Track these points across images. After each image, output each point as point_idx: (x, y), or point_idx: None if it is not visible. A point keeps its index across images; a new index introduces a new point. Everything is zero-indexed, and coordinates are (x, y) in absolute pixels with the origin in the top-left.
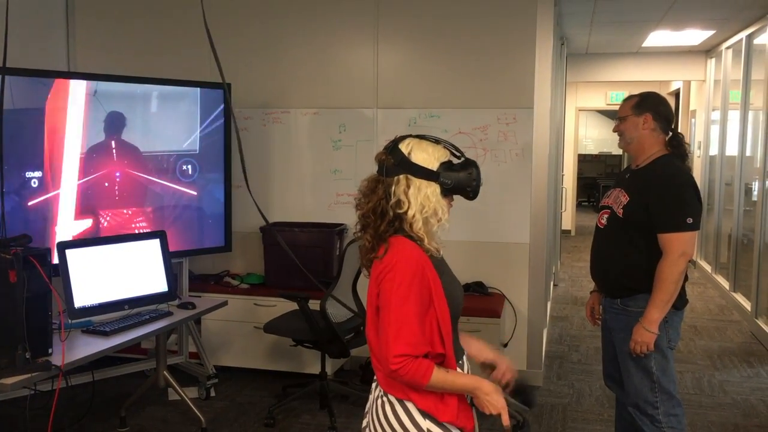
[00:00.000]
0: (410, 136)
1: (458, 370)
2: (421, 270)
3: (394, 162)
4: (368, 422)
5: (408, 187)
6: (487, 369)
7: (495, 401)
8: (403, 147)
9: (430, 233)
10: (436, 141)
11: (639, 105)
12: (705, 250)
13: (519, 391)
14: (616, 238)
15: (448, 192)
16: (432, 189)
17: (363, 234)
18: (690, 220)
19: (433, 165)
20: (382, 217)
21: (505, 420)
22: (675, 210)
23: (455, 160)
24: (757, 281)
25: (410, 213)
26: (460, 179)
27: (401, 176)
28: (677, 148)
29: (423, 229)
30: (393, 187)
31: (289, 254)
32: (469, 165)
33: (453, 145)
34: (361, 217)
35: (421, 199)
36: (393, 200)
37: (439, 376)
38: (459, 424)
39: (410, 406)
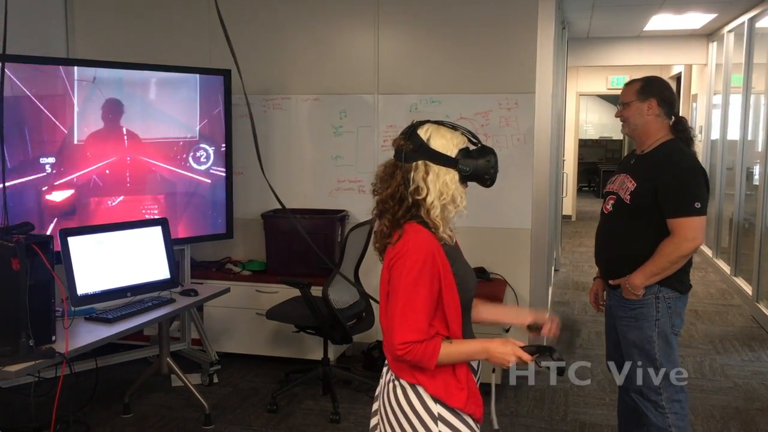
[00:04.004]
0: (428, 121)
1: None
2: (432, 257)
3: (413, 148)
4: (379, 405)
5: (427, 173)
6: (534, 330)
7: (508, 351)
8: (422, 133)
9: (446, 220)
10: (454, 127)
11: (643, 90)
12: (706, 235)
13: (565, 328)
14: (621, 224)
15: (465, 179)
16: (451, 176)
17: (380, 220)
18: (698, 205)
19: (452, 152)
20: (401, 203)
21: (527, 357)
22: (682, 194)
23: (472, 147)
24: (758, 265)
25: (429, 200)
26: (478, 166)
27: (420, 162)
28: (682, 132)
29: (440, 216)
30: (411, 174)
31: (305, 237)
32: (487, 152)
33: (470, 132)
34: (379, 202)
35: (439, 185)
36: (412, 186)
37: (446, 350)
38: (468, 411)
39: (421, 390)
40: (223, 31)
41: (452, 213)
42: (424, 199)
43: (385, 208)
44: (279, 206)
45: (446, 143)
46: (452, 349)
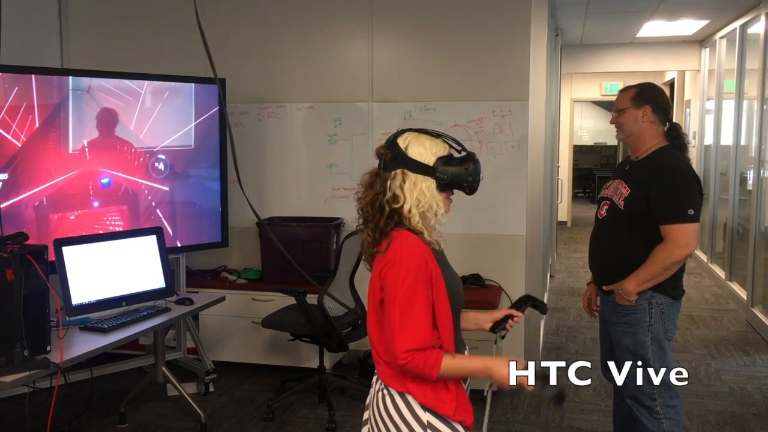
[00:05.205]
0: (410, 130)
1: None
2: (425, 263)
3: (391, 156)
4: (369, 415)
5: (404, 181)
6: (499, 331)
7: (503, 375)
8: (401, 141)
9: (429, 227)
10: (437, 135)
11: (638, 97)
12: (700, 240)
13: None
14: (615, 229)
15: (445, 187)
16: (427, 184)
17: (364, 227)
18: (691, 212)
19: (429, 159)
20: (381, 212)
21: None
22: (676, 201)
23: (457, 154)
24: (753, 270)
25: (406, 207)
26: (456, 174)
27: (398, 171)
28: (676, 138)
29: (421, 223)
30: (389, 182)
31: (282, 251)
32: (467, 160)
33: (454, 139)
34: (360, 210)
35: (416, 193)
36: (389, 194)
37: (447, 364)
38: (458, 418)
39: (410, 398)
40: (202, 41)
41: (432, 221)
42: (402, 207)
43: (366, 217)
44: (276, 214)
45: (424, 151)
46: (454, 363)
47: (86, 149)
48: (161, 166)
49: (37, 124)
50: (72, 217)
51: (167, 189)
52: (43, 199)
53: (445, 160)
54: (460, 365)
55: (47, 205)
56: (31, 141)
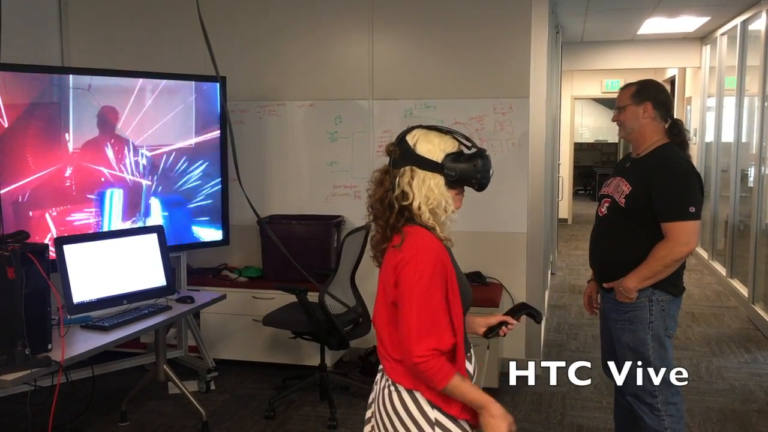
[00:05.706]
0: (420, 126)
1: (467, 363)
2: (441, 260)
3: (400, 153)
4: (374, 412)
5: (412, 178)
6: (492, 335)
7: (498, 427)
8: (410, 138)
9: (440, 224)
10: (447, 132)
11: (638, 94)
12: (702, 237)
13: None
14: (616, 227)
15: (453, 184)
16: (436, 180)
17: (374, 224)
18: (692, 209)
19: (437, 156)
20: (390, 209)
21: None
22: (677, 199)
23: (467, 151)
24: (754, 267)
25: (415, 204)
26: (464, 170)
27: (407, 168)
28: (677, 136)
29: (432, 220)
30: (398, 179)
31: (281, 250)
32: (476, 156)
33: (464, 136)
34: (370, 207)
35: (425, 190)
36: (398, 191)
37: (455, 383)
38: (464, 416)
39: (418, 395)
40: (204, 38)
41: (443, 217)
42: (411, 204)
43: (376, 214)
44: (276, 212)
45: (432, 148)
46: (461, 386)
47: (79, 148)
48: (157, 165)
49: (8, 122)
50: (54, 214)
51: (168, 187)
52: (25, 196)
53: (454, 156)
54: (465, 390)
55: (39, 202)
56: (23, 139)
